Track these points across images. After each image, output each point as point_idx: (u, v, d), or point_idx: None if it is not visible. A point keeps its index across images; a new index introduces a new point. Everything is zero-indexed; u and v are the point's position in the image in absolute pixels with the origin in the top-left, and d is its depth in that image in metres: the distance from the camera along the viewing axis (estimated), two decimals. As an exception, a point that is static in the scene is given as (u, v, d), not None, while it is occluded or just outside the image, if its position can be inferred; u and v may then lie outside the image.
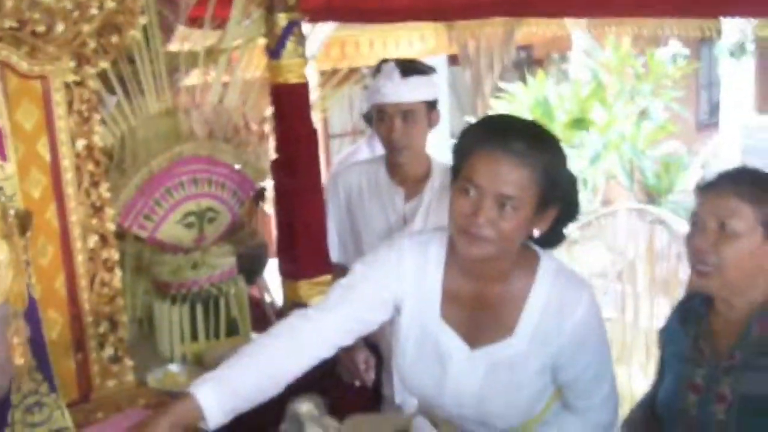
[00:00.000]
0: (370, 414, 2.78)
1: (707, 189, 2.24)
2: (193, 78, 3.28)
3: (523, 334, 2.18)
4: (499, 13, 4.32)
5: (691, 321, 2.38)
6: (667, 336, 2.49)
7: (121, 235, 2.79)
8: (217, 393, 2.07)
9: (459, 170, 2.10)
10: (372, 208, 3.24)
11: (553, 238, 2.22)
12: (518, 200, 2.02)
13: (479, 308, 2.22)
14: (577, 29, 9.69)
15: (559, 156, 2.10)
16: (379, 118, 3.16)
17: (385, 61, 3.20)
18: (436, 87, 3.23)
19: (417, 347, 2.28)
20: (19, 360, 1.65)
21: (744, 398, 2.19)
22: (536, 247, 2.22)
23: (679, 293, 2.63)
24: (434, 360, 2.26)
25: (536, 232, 2.17)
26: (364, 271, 2.31)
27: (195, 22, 3.38)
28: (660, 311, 5.93)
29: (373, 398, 3.19)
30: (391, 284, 2.26)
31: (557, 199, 2.10)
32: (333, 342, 2.26)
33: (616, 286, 6.62)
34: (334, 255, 3.35)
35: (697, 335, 2.34)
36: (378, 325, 2.32)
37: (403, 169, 3.23)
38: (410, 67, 3.17)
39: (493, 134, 2.06)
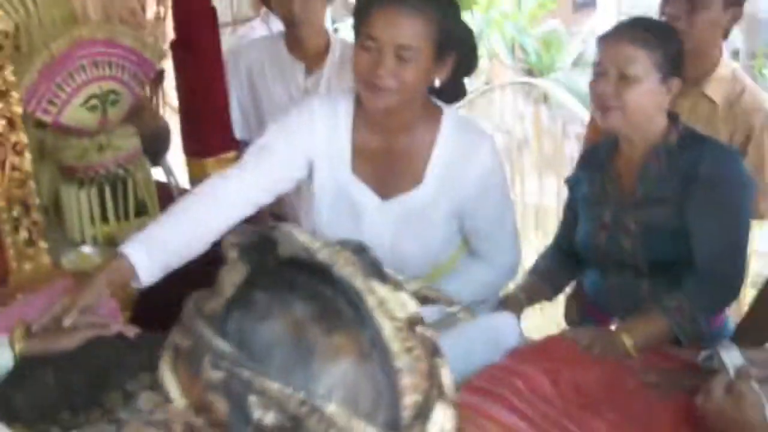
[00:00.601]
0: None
1: (606, 38, 2.41)
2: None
3: (431, 182, 2.37)
4: None
5: (596, 166, 2.57)
6: (575, 183, 2.67)
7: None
8: (148, 249, 2.18)
9: (358, 25, 2.24)
10: (274, 84, 3.31)
11: (454, 91, 2.40)
12: (416, 49, 2.17)
13: (388, 161, 2.39)
14: None
15: (451, 5, 2.27)
16: None
17: None
18: None
19: (331, 204, 2.44)
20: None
21: (646, 228, 2.43)
22: (439, 103, 2.34)
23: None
24: (349, 214, 2.42)
25: (438, 84, 2.34)
26: (278, 130, 2.43)
27: None
28: (548, 188, 6.10)
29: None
30: (304, 142, 2.39)
31: (454, 48, 2.25)
32: (252, 200, 2.38)
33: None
34: (238, 132, 3.41)
35: (602, 179, 2.54)
36: (293, 183, 2.46)
37: (302, 44, 3.30)
38: None
39: None
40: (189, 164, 3.34)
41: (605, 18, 13.44)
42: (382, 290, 0.91)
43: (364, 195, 2.41)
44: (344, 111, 2.41)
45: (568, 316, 3.01)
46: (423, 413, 0.87)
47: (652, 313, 2.32)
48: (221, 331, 0.88)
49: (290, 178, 2.45)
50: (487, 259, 2.52)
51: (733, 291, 2.44)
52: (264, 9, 4.09)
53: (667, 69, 2.36)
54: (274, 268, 0.93)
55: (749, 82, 3.13)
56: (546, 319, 4.13)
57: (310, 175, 2.45)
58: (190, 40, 3.17)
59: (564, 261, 2.72)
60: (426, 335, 0.92)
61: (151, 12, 3.25)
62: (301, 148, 2.40)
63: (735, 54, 8.56)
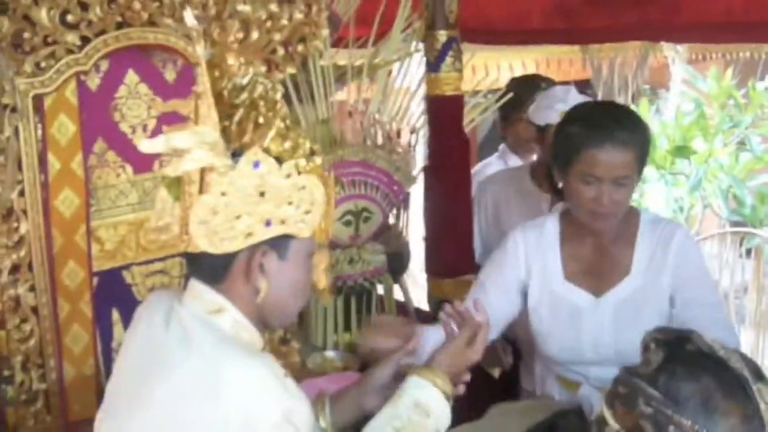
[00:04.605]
0: (515, 402, 2.98)
1: None
2: (345, 92, 3.52)
3: (638, 271, 2.62)
4: (635, 38, 4.54)
5: None
6: None
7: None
8: None
9: (571, 161, 2.51)
10: (519, 214, 3.46)
11: None
12: (628, 177, 2.47)
13: (597, 262, 2.65)
14: (676, 61, 9.80)
15: (648, 132, 2.56)
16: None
17: (538, 79, 3.47)
18: None
19: (550, 311, 2.68)
20: (322, 283, 1.91)
21: None
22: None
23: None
24: (567, 317, 2.65)
25: None
26: (489, 271, 2.77)
27: (339, 41, 3.61)
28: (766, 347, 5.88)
29: (512, 391, 3.39)
30: (513, 275, 2.71)
31: (647, 161, 2.57)
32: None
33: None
34: (478, 257, 3.58)
35: None
36: (515, 315, 2.74)
37: (550, 178, 3.46)
38: (581, 91, 3.45)
39: (599, 131, 2.47)
40: (429, 283, 3.53)
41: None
42: (760, 383, 1.38)
43: (579, 296, 2.65)
44: (551, 229, 2.72)
45: None
46: None
47: None
48: (653, 385, 1.38)
49: (508, 311, 2.73)
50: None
51: None
52: (503, 146, 4.29)
53: None
54: (688, 355, 1.43)
55: None
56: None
57: (525, 294, 2.73)
58: (443, 167, 3.38)
59: None
60: None
61: (404, 139, 3.48)
62: (511, 282, 2.71)
63: None
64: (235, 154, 1.68)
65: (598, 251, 2.65)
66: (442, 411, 1.98)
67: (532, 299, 2.70)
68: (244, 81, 1.76)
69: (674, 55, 9.34)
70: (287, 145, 1.73)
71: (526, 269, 2.70)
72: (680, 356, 1.43)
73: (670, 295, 2.60)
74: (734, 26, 3.61)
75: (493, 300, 2.62)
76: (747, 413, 1.34)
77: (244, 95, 1.75)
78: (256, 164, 1.68)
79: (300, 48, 2.88)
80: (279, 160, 1.71)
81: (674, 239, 2.60)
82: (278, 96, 1.78)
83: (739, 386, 1.36)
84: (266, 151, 1.70)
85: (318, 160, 1.78)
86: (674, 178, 8.96)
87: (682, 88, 9.87)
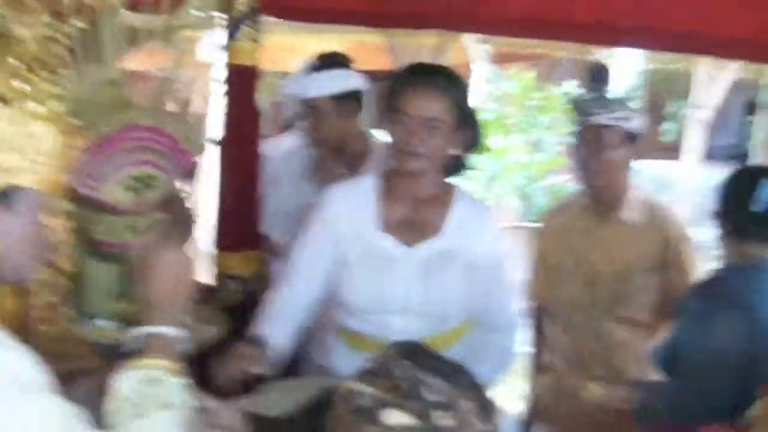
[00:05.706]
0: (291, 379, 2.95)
1: None
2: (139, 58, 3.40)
3: (448, 234, 2.80)
4: (439, 26, 4.57)
5: None
6: None
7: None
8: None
9: (390, 107, 2.71)
10: (319, 188, 3.45)
11: (459, 165, 2.83)
12: (440, 121, 2.65)
13: (411, 216, 2.80)
14: (478, 59, 10.00)
15: (465, 89, 2.79)
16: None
17: (338, 57, 3.48)
18: (348, 79, 3.45)
19: (360, 259, 2.81)
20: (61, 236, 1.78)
21: None
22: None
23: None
24: (378, 265, 2.78)
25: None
26: (302, 242, 2.90)
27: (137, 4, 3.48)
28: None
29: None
30: (329, 229, 2.84)
31: (467, 124, 2.75)
32: (309, 300, 2.90)
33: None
34: (269, 228, 3.60)
35: None
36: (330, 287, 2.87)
37: (342, 152, 3.47)
38: (327, 62, 3.42)
39: (416, 76, 2.75)
40: (218, 256, 3.47)
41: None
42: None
43: (392, 246, 2.77)
44: (368, 184, 2.87)
45: None
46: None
47: None
48: (405, 358, 1.56)
49: (322, 287, 2.90)
50: (490, 324, 2.87)
51: None
52: (299, 123, 4.27)
53: None
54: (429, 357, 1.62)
55: (657, 199, 3.65)
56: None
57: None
58: (234, 139, 3.33)
59: None
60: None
61: (196, 107, 3.41)
62: (326, 243, 2.83)
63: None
64: None
65: (413, 207, 2.79)
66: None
67: (342, 249, 2.80)
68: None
69: (476, 49, 9.55)
70: (21, 87, 1.60)
71: (339, 220, 2.81)
72: (421, 356, 1.59)
73: (471, 263, 2.77)
74: (534, 23, 3.68)
75: (303, 280, 2.85)
76: (483, 407, 1.51)
77: None
78: None
79: (91, 1, 2.76)
80: (5, 102, 1.58)
81: (489, 222, 2.87)
82: (20, 32, 1.64)
83: (477, 384, 1.58)
84: None
85: (59, 107, 1.66)
86: (473, 173, 9.18)
87: (486, 87, 10.10)
